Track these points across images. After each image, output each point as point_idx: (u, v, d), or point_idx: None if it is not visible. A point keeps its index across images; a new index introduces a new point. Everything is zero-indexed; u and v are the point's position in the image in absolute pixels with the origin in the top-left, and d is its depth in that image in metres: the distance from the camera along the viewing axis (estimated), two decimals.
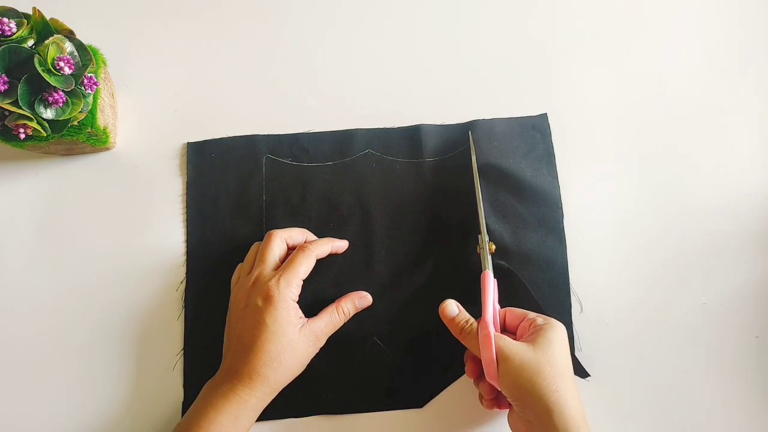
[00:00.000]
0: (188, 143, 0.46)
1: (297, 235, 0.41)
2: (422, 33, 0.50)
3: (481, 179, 0.44)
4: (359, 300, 0.41)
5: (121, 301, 0.43)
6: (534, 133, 0.46)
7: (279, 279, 0.37)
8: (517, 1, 0.51)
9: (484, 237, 0.41)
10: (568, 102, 0.48)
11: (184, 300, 0.43)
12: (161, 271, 0.44)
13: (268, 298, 0.36)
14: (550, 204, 0.44)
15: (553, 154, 0.46)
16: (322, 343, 0.39)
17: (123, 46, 0.49)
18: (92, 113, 0.41)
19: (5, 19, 0.36)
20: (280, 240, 0.40)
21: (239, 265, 0.41)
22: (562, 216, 0.44)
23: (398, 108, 0.48)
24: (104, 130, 0.43)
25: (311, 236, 0.43)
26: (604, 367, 0.42)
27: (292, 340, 0.36)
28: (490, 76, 0.49)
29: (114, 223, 0.45)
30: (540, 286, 0.42)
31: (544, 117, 0.47)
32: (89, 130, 0.41)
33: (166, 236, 0.45)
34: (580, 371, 0.40)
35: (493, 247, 0.40)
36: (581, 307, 0.43)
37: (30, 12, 0.38)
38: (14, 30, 0.36)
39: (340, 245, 0.43)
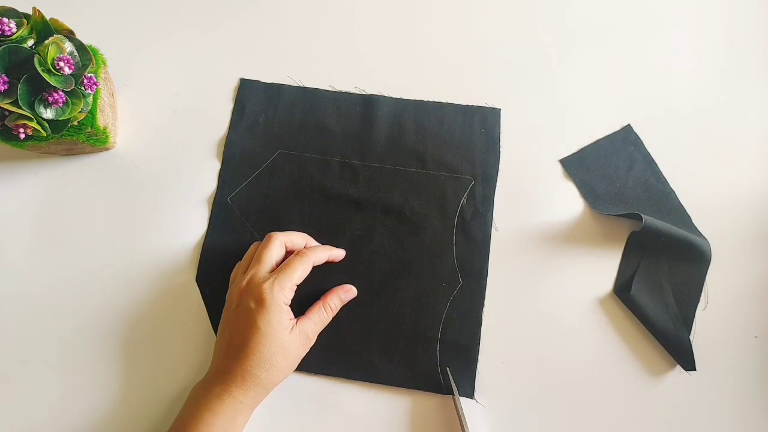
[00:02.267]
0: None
1: (297, 239, 0.41)
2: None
3: (588, 201, 0.44)
4: (344, 293, 0.41)
5: (121, 302, 0.43)
6: (627, 146, 0.47)
7: (273, 282, 0.37)
8: None
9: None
10: (569, 102, 0.48)
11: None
12: (161, 270, 0.44)
13: (260, 301, 0.36)
14: (671, 207, 0.45)
15: (654, 161, 0.46)
16: (312, 342, 0.39)
17: (123, 46, 0.50)
18: (92, 113, 0.41)
19: (5, 19, 0.36)
20: (279, 243, 0.39)
21: (238, 263, 0.41)
22: (689, 218, 0.45)
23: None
24: (104, 130, 0.43)
25: (311, 241, 0.42)
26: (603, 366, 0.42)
27: (284, 343, 0.36)
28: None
29: (114, 223, 0.45)
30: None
31: (629, 129, 0.47)
32: (89, 130, 0.41)
33: (166, 236, 0.45)
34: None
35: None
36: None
37: (30, 12, 0.38)
38: (14, 30, 0.36)
39: (338, 254, 0.42)
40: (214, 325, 0.42)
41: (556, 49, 0.50)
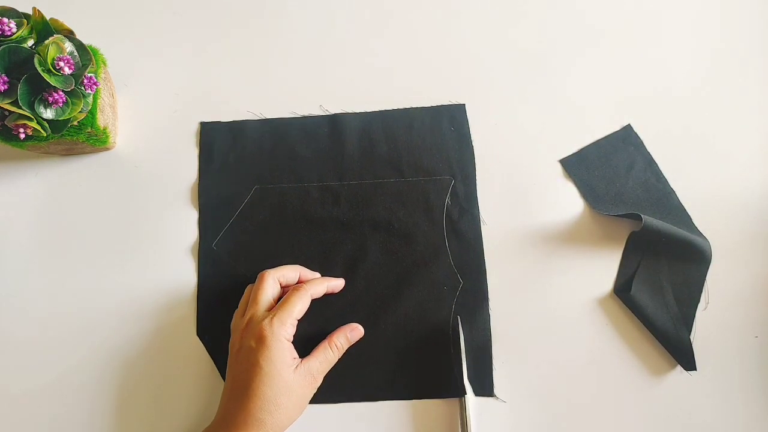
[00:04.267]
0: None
1: (290, 273, 0.40)
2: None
3: (588, 201, 0.44)
4: (351, 333, 0.40)
5: (120, 301, 0.43)
6: (627, 146, 0.47)
7: (272, 319, 0.36)
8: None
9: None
10: (568, 103, 0.48)
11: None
12: (161, 271, 0.44)
13: (261, 339, 0.35)
14: (671, 207, 0.45)
15: (654, 161, 0.46)
16: (318, 383, 0.37)
17: (123, 46, 0.50)
18: (92, 113, 0.41)
19: (5, 19, 0.36)
20: (272, 280, 0.38)
21: (236, 311, 0.40)
22: (690, 218, 0.45)
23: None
24: (104, 130, 0.43)
25: (305, 272, 0.41)
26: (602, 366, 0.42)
27: (288, 382, 0.35)
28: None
29: (114, 224, 0.45)
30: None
31: (629, 129, 0.47)
32: (89, 130, 0.41)
33: (166, 236, 0.44)
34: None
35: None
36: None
37: (30, 12, 0.38)
38: (14, 30, 0.36)
39: (336, 284, 0.41)
40: (222, 372, 0.41)
41: (556, 50, 0.50)
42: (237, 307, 0.40)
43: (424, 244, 0.44)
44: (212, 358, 0.41)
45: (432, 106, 0.48)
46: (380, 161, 0.46)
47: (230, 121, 0.47)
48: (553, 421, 0.40)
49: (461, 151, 0.46)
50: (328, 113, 0.47)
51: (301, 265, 0.41)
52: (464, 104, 0.48)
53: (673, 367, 0.41)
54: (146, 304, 0.43)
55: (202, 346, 0.42)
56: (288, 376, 0.35)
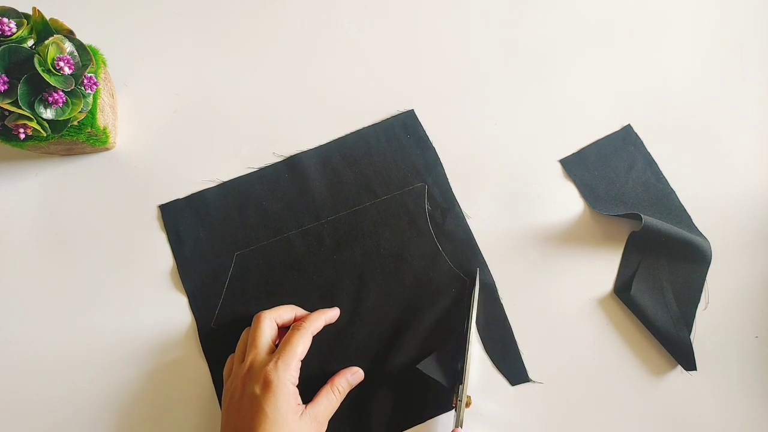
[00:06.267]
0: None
1: (285, 313, 0.39)
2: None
3: (588, 201, 0.44)
4: (351, 376, 0.39)
5: (120, 302, 0.43)
6: (627, 146, 0.47)
7: (277, 362, 0.34)
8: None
9: (465, 391, 0.38)
10: (568, 103, 0.48)
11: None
12: (161, 271, 0.44)
13: (266, 384, 0.34)
14: (671, 207, 0.45)
15: (654, 161, 0.46)
16: (323, 429, 0.36)
17: (123, 46, 0.50)
18: (92, 113, 0.41)
19: (5, 19, 0.36)
20: (269, 320, 0.37)
21: (230, 356, 0.39)
22: (690, 218, 0.45)
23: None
24: (104, 130, 0.43)
25: (300, 311, 0.40)
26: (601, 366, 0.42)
27: (293, 429, 0.33)
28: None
29: (114, 224, 0.45)
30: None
31: (629, 129, 0.47)
32: (89, 130, 0.41)
33: (165, 236, 0.45)
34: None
35: (471, 401, 0.38)
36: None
37: (30, 12, 0.38)
38: (14, 30, 0.36)
39: (332, 315, 0.41)
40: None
41: (556, 50, 0.50)
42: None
43: (419, 256, 0.43)
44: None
45: (382, 120, 0.47)
46: (350, 189, 0.45)
47: (188, 196, 0.45)
48: (553, 421, 0.40)
49: (424, 155, 0.46)
50: (284, 157, 0.46)
51: (299, 307, 0.41)
52: (412, 109, 0.48)
53: (673, 367, 0.41)
54: (145, 304, 0.43)
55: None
56: (294, 423, 0.34)
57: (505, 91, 0.49)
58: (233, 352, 0.39)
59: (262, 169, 0.46)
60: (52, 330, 0.42)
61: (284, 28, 0.51)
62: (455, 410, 0.38)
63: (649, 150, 0.47)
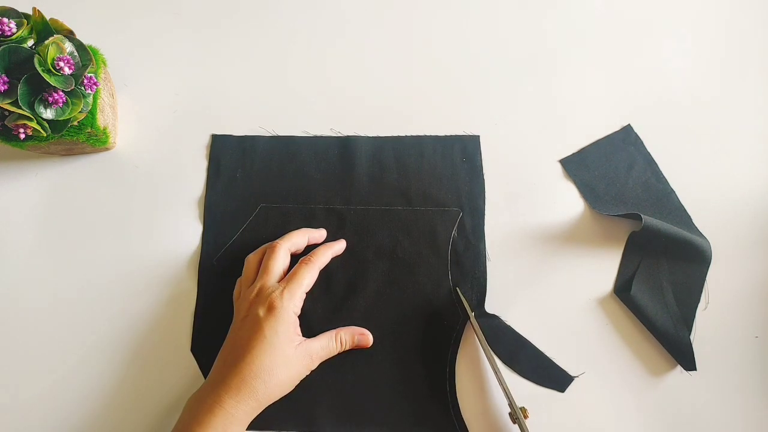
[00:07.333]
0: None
1: (299, 239, 0.41)
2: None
3: (588, 201, 0.44)
4: (359, 336, 0.40)
5: (120, 302, 0.43)
6: (627, 146, 0.46)
7: (283, 291, 0.37)
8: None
9: (516, 408, 0.37)
10: (568, 103, 0.48)
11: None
12: (161, 271, 0.44)
13: (270, 308, 0.36)
14: (671, 207, 0.45)
15: (654, 161, 0.46)
16: (314, 366, 0.38)
17: (123, 46, 0.50)
18: (92, 113, 0.41)
19: (5, 19, 0.36)
20: (284, 251, 0.39)
21: (239, 279, 0.41)
22: (689, 217, 0.45)
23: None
24: (104, 130, 0.43)
25: (312, 233, 0.42)
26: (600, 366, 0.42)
27: (288, 355, 0.35)
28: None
29: (114, 224, 0.45)
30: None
31: (629, 129, 0.47)
32: (89, 130, 0.41)
33: (166, 237, 0.44)
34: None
35: (527, 412, 0.37)
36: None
37: (30, 12, 0.38)
38: (14, 30, 0.36)
39: (339, 248, 0.42)
40: None
41: (556, 50, 0.50)
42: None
43: (426, 275, 0.43)
44: (203, 374, 0.41)
45: (445, 135, 0.47)
46: (389, 188, 0.45)
47: (242, 136, 0.47)
48: (553, 421, 0.40)
49: (471, 183, 0.45)
50: (340, 134, 0.47)
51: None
52: (478, 136, 0.47)
53: (673, 367, 0.41)
54: (145, 304, 0.43)
55: (194, 362, 0.41)
56: (289, 350, 0.36)
57: (504, 91, 0.49)
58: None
59: (316, 137, 0.47)
60: (52, 329, 0.42)
61: (285, 28, 0.51)
62: (517, 424, 0.37)
63: (649, 150, 0.47)
